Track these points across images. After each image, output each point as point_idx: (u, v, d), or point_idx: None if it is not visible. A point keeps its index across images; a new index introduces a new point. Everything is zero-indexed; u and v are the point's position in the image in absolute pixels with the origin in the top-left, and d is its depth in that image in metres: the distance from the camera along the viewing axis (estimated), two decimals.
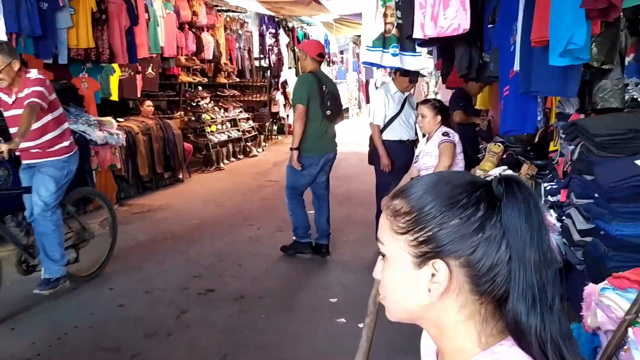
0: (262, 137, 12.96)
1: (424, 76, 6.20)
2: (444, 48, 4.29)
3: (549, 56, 2.32)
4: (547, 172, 3.55)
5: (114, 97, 7.80)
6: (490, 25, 3.51)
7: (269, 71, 14.01)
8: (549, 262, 0.80)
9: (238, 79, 12.75)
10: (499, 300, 0.83)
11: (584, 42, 2.17)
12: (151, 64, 8.94)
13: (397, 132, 4.90)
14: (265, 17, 13.38)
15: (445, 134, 4.10)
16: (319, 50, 4.77)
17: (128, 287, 4.29)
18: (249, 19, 13.36)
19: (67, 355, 3.25)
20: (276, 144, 13.91)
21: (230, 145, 10.97)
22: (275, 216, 6.52)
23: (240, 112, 12.26)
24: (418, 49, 3.76)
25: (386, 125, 4.85)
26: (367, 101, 17.87)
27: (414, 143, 5.01)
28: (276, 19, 13.77)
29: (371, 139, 5.07)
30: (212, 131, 10.60)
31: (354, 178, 8.53)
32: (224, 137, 10.93)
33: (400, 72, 4.39)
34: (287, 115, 14.83)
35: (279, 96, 14.28)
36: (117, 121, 7.47)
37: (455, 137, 4.12)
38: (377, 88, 20.49)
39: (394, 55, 3.69)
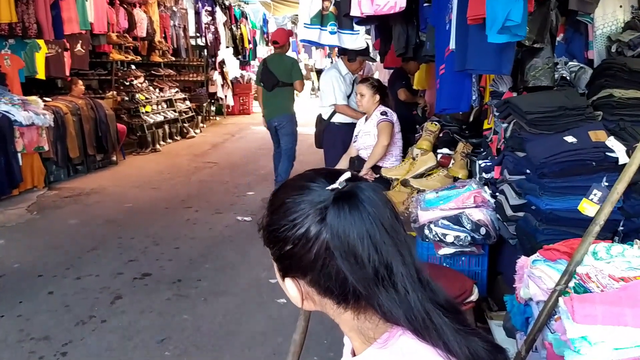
0: (200, 118, 12.68)
1: (373, 59, 6.10)
2: (382, 27, 4.28)
3: (486, 33, 2.34)
4: (482, 150, 3.62)
5: (40, 75, 7.38)
6: (426, 4, 3.52)
7: (205, 50, 13.67)
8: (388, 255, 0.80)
9: (174, 58, 12.37)
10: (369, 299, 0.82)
11: (521, 19, 2.20)
12: (80, 41, 8.50)
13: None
14: None
15: (383, 113, 4.13)
16: (272, 38, 6.17)
17: (57, 273, 4.10)
18: None
19: None
20: (214, 125, 13.65)
21: (166, 127, 10.67)
22: (213, 198, 6.41)
23: (177, 92, 11.94)
24: (356, 27, 3.73)
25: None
26: None
27: None
28: None
29: (318, 122, 5.03)
30: (147, 112, 10.26)
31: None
32: (159, 118, 10.61)
33: (339, 50, 4.35)
34: (225, 96, 14.57)
35: (216, 76, 14.00)
36: (44, 101, 7.11)
37: (394, 117, 4.15)
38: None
39: (332, 33, 3.64)
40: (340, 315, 0.86)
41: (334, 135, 4.86)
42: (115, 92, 9.76)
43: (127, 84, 10.03)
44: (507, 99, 2.84)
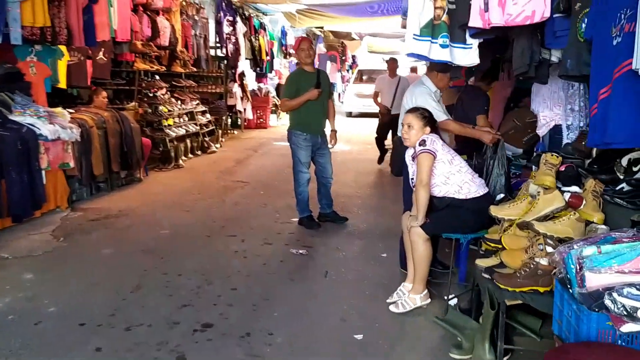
0: (220, 132, 12.10)
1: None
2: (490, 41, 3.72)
3: None
4: (618, 187, 3.04)
5: (62, 84, 6.79)
6: (557, 15, 2.95)
7: (225, 61, 13.14)
8: None
9: (195, 69, 11.81)
10: None
11: None
12: (102, 49, 7.93)
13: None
14: (223, 3, 12.50)
15: (421, 142, 3.57)
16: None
17: (102, 321, 3.47)
18: (206, 4, 12.44)
19: None
20: (233, 139, 13.06)
21: (188, 141, 10.07)
22: (256, 225, 5.80)
23: (198, 104, 11.38)
24: (469, 40, 3.16)
25: None
26: None
27: None
28: (234, 6, 12.91)
29: (397, 146, 4.43)
30: (169, 125, 9.69)
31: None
32: (181, 132, 10.04)
33: (439, 67, 3.77)
34: (245, 109, 14.01)
35: (236, 88, 13.43)
36: (68, 112, 6.51)
37: (436, 143, 3.59)
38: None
39: (443, 46, 3.07)
40: None
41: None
42: (137, 104, 9.16)
43: (151, 95, 9.44)
44: None
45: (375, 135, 9.48)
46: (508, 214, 3.29)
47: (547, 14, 2.75)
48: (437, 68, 3.85)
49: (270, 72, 16.33)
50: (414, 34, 3.09)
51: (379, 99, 9.38)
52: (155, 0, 9.32)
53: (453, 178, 3.59)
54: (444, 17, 3.05)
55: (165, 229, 5.52)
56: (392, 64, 9.55)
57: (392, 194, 7.54)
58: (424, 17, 3.05)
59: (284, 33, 16.60)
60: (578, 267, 2.46)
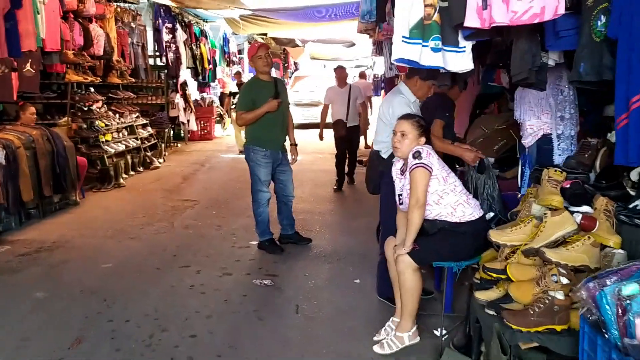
0: (163, 145, 11.37)
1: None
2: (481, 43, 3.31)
3: None
4: (632, 205, 2.70)
5: None
6: (561, 12, 2.57)
7: (165, 71, 12.43)
8: None
9: (133, 80, 11.05)
10: None
11: None
12: (30, 60, 7.14)
13: None
14: (161, 10, 11.81)
15: (416, 154, 3.17)
16: None
17: None
18: (143, 11, 11.72)
19: None
20: (177, 152, 12.34)
21: (128, 157, 9.33)
22: (211, 251, 5.23)
23: (138, 117, 10.64)
24: (462, 42, 2.74)
25: None
26: None
27: None
28: (173, 13, 12.23)
29: (373, 161, 3.98)
30: (107, 141, 8.94)
31: None
32: (121, 148, 9.30)
33: (424, 74, 3.34)
34: (188, 121, 13.31)
35: (178, 99, 12.73)
36: None
37: (432, 157, 3.20)
38: None
39: (435, 50, 2.63)
40: None
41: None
42: (69, 119, 8.37)
43: (86, 109, 8.67)
44: None
45: (336, 154, 8.25)
46: (511, 239, 2.90)
47: (562, 11, 2.36)
48: (422, 75, 3.42)
49: (213, 81, 15.69)
50: (403, 36, 2.64)
51: (329, 113, 8.45)
52: (87, 7, 8.58)
53: (447, 198, 3.18)
54: (435, 16, 2.61)
55: (107, 262, 4.87)
56: (341, 72, 8.56)
57: (352, 207, 7.14)
58: (413, 16, 2.61)
59: (226, 40, 15.99)
60: (619, 310, 2.07)
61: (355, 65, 28.76)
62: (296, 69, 27.11)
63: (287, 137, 5.38)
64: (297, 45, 19.57)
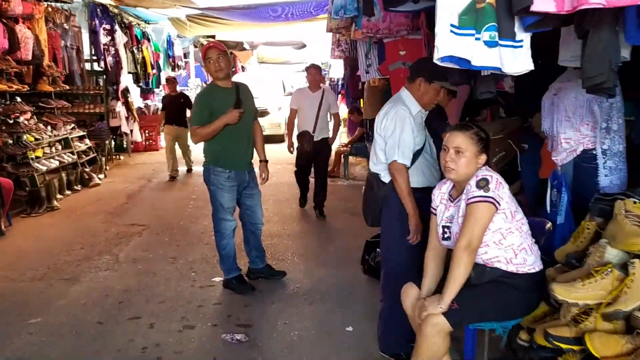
0: (103, 159, 10.27)
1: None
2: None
3: None
4: None
5: None
6: None
7: (104, 76, 11.30)
8: None
9: (67, 87, 9.91)
10: None
11: None
12: None
13: (425, 175, 3.15)
14: (98, 10, 10.70)
15: (482, 183, 2.41)
16: None
17: None
18: (77, 11, 10.57)
19: None
20: (119, 166, 11.22)
21: (63, 175, 8.23)
22: (167, 294, 4.34)
23: (73, 128, 9.53)
24: (519, 35, 2.00)
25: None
26: None
27: None
28: (111, 13, 11.13)
29: (371, 187, 3.21)
30: (37, 157, 7.85)
31: None
32: (54, 164, 8.20)
33: (454, 79, 2.56)
34: (131, 130, 12.19)
35: (119, 107, 11.60)
36: None
37: (502, 187, 2.44)
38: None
39: (490, 44, 1.88)
40: None
41: (401, 210, 3.06)
42: None
43: (11, 121, 7.53)
44: None
45: (295, 169, 7.14)
46: (584, 297, 2.18)
47: None
48: (454, 79, 2.64)
49: (158, 87, 14.58)
50: (452, 25, 1.87)
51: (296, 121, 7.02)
52: (13, 6, 7.49)
53: (510, 239, 2.43)
54: None
55: (35, 316, 3.90)
56: (315, 73, 6.79)
57: (324, 227, 6.40)
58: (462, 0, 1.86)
59: (170, 43, 14.91)
60: None
61: (304, 68, 27.89)
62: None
63: (255, 153, 4.54)
64: (244, 49, 18.73)
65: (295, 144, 6.94)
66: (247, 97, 4.41)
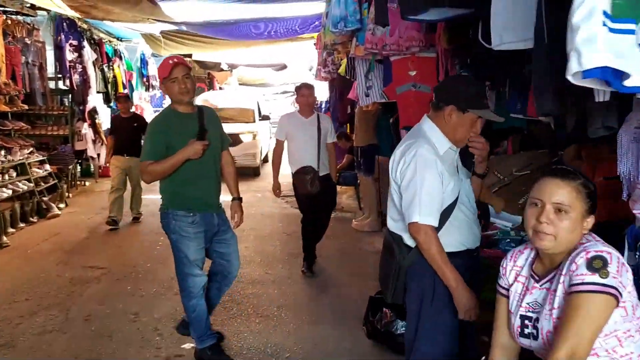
0: (65, 186, 9.33)
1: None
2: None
3: None
4: None
5: None
6: None
7: (70, 95, 10.42)
8: None
9: (26, 107, 9.01)
10: None
11: None
12: None
13: (464, 235, 2.37)
14: (64, 24, 9.88)
15: (596, 263, 1.58)
16: None
17: None
18: (41, 25, 9.72)
19: None
20: (84, 193, 10.28)
21: (17, 205, 7.29)
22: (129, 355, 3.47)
23: (32, 152, 8.59)
24: None
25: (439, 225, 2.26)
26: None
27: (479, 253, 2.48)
28: (79, 28, 10.31)
29: (392, 253, 2.41)
30: None
31: None
32: (6, 194, 7.27)
33: (459, 103, 1.77)
34: (98, 155, 11.25)
35: (85, 129, 10.70)
36: None
37: (625, 269, 1.62)
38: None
39: None
40: None
41: (436, 283, 2.27)
42: None
43: None
44: None
45: (302, 220, 5.49)
46: None
47: None
48: (474, 103, 1.84)
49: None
50: (604, 14, 1.13)
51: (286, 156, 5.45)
52: None
53: (628, 346, 1.61)
54: None
55: None
56: (308, 95, 5.30)
57: (314, 269, 5.52)
58: None
59: (144, 62, 14.11)
60: None
61: (282, 90, 26.77)
62: None
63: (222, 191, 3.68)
64: (222, 70, 18.03)
65: (281, 191, 5.54)
66: (214, 124, 3.55)
